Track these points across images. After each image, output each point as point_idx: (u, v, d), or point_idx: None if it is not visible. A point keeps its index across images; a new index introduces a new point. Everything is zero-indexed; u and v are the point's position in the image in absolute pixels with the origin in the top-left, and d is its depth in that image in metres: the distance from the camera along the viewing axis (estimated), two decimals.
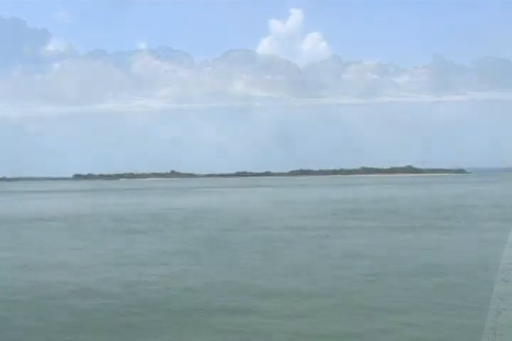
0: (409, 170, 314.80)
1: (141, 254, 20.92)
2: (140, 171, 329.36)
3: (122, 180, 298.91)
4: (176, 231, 29.26)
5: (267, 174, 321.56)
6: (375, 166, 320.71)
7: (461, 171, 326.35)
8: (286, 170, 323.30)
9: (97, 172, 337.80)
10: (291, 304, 12.66)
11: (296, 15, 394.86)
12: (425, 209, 41.76)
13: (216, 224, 33.26)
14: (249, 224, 33.04)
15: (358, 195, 76.55)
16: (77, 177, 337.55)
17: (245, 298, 13.43)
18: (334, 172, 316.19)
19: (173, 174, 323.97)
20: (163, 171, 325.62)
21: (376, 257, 19.11)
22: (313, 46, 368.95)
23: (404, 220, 33.28)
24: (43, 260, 19.76)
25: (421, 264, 17.43)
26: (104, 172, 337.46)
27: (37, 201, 74.66)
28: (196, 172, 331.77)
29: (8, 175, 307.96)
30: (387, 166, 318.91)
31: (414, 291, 13.80)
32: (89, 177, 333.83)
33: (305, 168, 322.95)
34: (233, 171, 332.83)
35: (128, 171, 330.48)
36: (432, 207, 44.98)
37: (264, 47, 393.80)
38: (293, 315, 11.76)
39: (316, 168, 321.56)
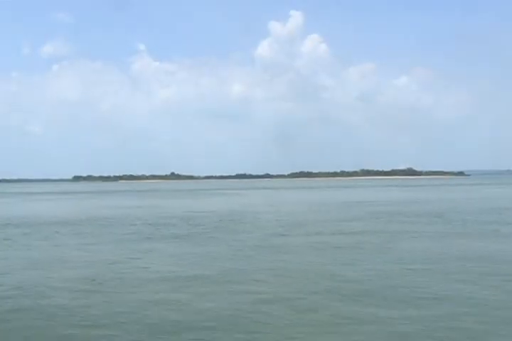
0: (410, 172, 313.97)
1: (217, 265, 18.25)
2: (139, 173, 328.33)
3: (122, 181, 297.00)
4: (223, 237, 26.78)
5: (267, 176, 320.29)
6: (375, 168, 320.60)
7: (460, 173, 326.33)
8: (286, 172, 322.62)
9: (96, 174, 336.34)
10: None
11: (296, 17, 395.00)
12: (466, 213, 39.57)
13: (257, 228, 30.81)
14: (294, 228, 30.55)
15: (373, 196, 74.54)
16: (77, 178, 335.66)
17: None
18: (334, 174, 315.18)
19: (173, 176, 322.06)
20: (163, 173, 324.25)
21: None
22: (313, 48, 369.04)
23: (460, 225, 30.81)
24: (117, 275, 16.62)
25: None
26: (104, 174, 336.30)
27: (45, 203, 72.16)
28: (196, 174, 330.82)
29: (8, 177, 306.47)
30: (387, 168, 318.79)
31: None
32: (89, 178, 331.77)
33: (305, 170, 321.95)
34: (233, 173, 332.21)
35: (127, 173, 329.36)
36: (469, 209, 42.82)
37: (264, 48, 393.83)
38: None
39: (315, 170, 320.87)
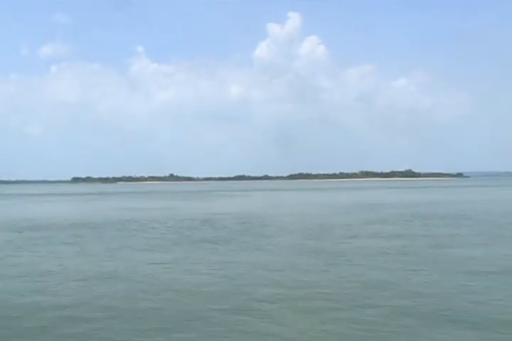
0: (409, 174, 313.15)
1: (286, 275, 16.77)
2: (138, 174, 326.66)
3: (120, 183, 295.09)
4: (254, 241, 25.33)
5: (266, 177, 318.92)
6: (375, 170, 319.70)
7: (459, 175, 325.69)
8: (285, 174, 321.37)
9: (95, 176, 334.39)
10: None
11: (294, 19, 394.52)
12: (489, 215, 38.49)
13: (284, 231, 29.49)
14: (323, 231, 29.31)
15: (380, 198, 73.40)
16: (76, 180, 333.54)
17: None
18: (333, 176, 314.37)
19: (172, 177, 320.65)
20: (162, 175, 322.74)
21: None
22: (312, 49, 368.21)
23: (497, 228, 29.75)
24: (160, 290, 15.05)
25: None
26: (103, 176, 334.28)
27: (48, 204, 70.57)
28: (194, 175, 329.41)
29: (6, 178, 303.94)
30: (386, 170, 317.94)
31: None
32: (88, 180, 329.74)
33: (304, 171, 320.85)
34: (231, 175, 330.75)
35: (126, 174, 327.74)
36: (490, 212, 41.63)
37: (263, 50, 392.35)
38: None
39: (314, 172, 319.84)
